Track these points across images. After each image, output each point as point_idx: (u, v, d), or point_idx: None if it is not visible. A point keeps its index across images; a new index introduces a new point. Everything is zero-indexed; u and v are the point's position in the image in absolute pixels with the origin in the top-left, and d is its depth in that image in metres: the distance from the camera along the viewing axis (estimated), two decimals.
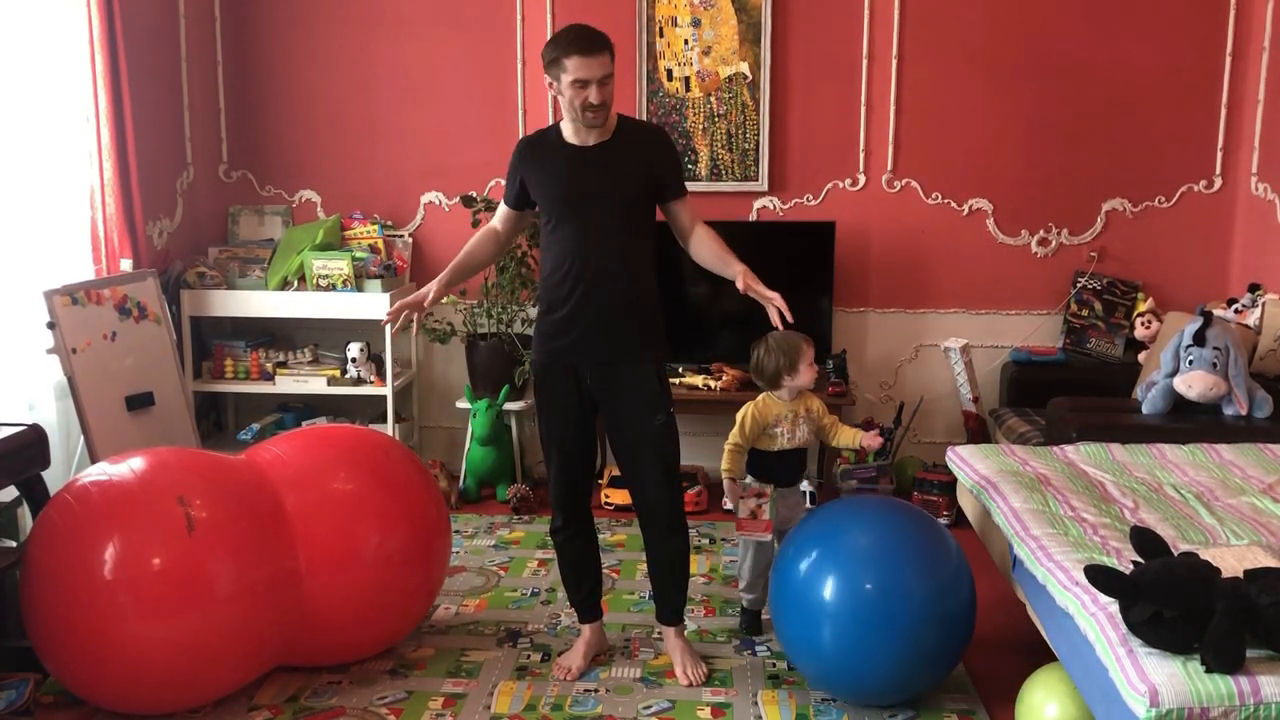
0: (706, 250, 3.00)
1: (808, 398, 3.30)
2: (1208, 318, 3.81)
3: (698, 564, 3.88)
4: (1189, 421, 3.73)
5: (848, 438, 3.33)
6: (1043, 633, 2.69)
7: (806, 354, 3.20)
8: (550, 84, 2.82)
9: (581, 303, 2.89)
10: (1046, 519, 2.84)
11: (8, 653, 2.94)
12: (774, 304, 2.85)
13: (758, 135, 4.68)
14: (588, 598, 3.15)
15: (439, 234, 4.91)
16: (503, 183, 4.77)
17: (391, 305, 4.46)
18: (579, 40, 2.74)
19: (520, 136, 4.73)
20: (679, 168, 3.03)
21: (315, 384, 4.65)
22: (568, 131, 2.90)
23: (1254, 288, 4.23)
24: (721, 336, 4.73)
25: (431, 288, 2.98)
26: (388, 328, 3.03)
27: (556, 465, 3.03)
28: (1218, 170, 4.60)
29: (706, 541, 4.13)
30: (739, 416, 3.25)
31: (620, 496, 4.44)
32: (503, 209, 3.10)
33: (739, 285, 2.90)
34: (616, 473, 4.51)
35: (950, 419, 4.83)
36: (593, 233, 2.86)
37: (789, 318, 2.84)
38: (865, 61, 4.62)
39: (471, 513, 4.49)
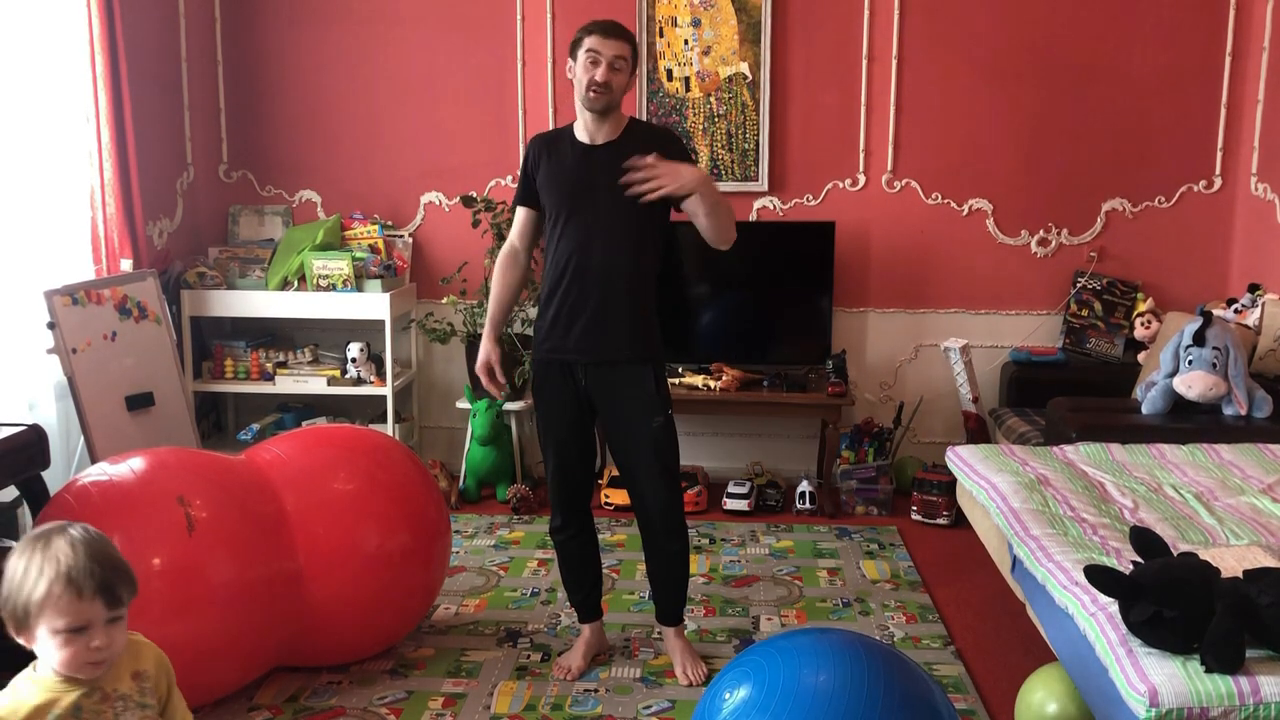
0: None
1: (122, 664, 1.79)
2: (1207, 318, 3.81)
3: (697, 564, 3.88)
4: (1189, 421, 3.73)
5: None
6: (1043, 633, 2.69)
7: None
8: (569, 69, 2.87)
9: (578, 301, 2.88)
10: (1046, 519, 2.84)
11: (8, 653, 2.93)
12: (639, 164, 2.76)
13: (758, 135, 4.68)
14: (588, 597, 3.16)
15: (439, 234, 4.91)
16: (502, 183, 4.85)
17: (392, 307, 4.51)
18: (601, 23, 2.84)
19: (527, 135, 4.76)
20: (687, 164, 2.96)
21: (315, 384, 4.65)
22: (579, 130, 2.92)
23: (1254, 288, 4.23)
24: (721, 336, 4.73)
25: (491, 346, 3.05)
26: (488, 386, 3.08)
27: (554, 465, 3.03)
28: (1218, 170, 4.60)
29: (706, 541, 4.13)
30: None
31: (620, 496, 4.44)
32: (519, 214, 3.07)
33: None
34: (617, 472, 4.51)
35: (950, 419, 4.83)
36: (596, 231, 2.86)
37: (636, 177, 2.74)
38: (865, 62, 4.62)
39: (471, 513, 4.49)
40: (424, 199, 4.91)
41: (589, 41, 2.81)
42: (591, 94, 2.80)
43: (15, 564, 1.71)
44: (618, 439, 2.98)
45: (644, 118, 4.64)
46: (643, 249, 2.92)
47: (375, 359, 4.68)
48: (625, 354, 2.92)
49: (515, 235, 3.08)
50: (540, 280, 3.02)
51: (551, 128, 3.08)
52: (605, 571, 3.49)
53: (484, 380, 3.08)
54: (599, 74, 2.79)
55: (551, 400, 2.99)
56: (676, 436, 3.00)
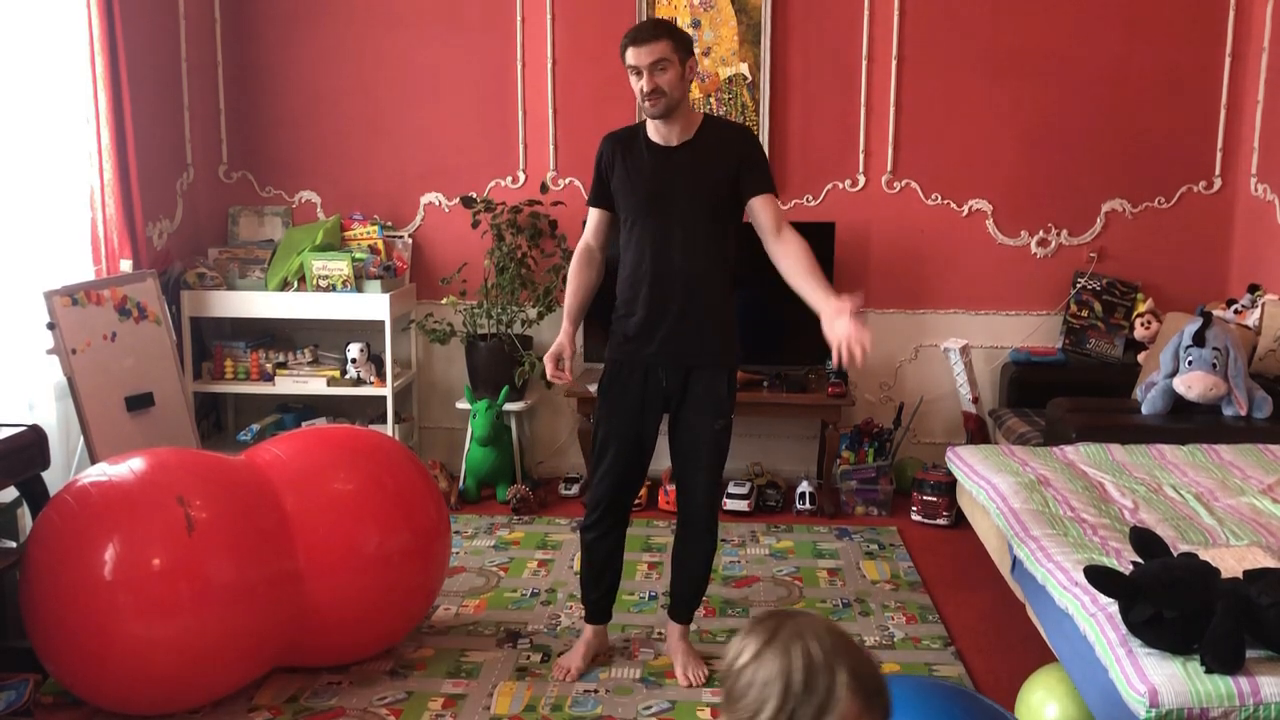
0: (791, 265, 2.87)
1: None
2: (1207, 318, 3.81)
3: None
4: (1189, 422, 3.73)
5: None
6: (1043, 633, 2.69)
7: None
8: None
9: (661, 305, 2.89)
10: (1046, 519, 2.84)
11: (8, 653, 2.93)
12: (843, 345, 2.62)
13: (757, 136, 4.67)
14: (602, 599, 3.15)
15: (439, 235, 4.91)
16: (502, 183, 4.85)
17: (391, 307, 4.50)
18: (632, 31, 2.83)
19: (527, 135, 4.77)
20: (760, 164, 2.94)
21: (315, 384, 4.65)
22: (651, 130, 2.92)
23: (1253, 288, 4.23)
24: None
25: (564, 338, 2.99)
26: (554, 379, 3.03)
27: (609, 464, 3.00)
28: (1217, 171, 4.60)
29: None
30: None
31: None
32: (593, 215, 3.05)
33: (829, 325, 2.66)
34: None
35: (950, 419, 4.83)
36: (672, 234, 2.87)
37: (853, 361, 2.63)
38: (865, 62, 4.62)
39: (471, 513, 4.49)
40: (424, 199, 4.90)
41: (627, 56, 2.80)
42: (648, 104, 2.81)
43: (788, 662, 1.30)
44: (679, 437, 3.01)
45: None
46: (718, 250, 2.92)
47: (375, 359, 4.68)
48: (709, 357, 2.94)
49: (590, 235, 3.06)
50: (618, 281, 3.00)
51: (623, 127, 3.00)
52: None
53: (550, 368, 3.00)
54: (645, 84, 2.78)
55: (622, 400, 2.98)
56: (730, 440, 3.03)
